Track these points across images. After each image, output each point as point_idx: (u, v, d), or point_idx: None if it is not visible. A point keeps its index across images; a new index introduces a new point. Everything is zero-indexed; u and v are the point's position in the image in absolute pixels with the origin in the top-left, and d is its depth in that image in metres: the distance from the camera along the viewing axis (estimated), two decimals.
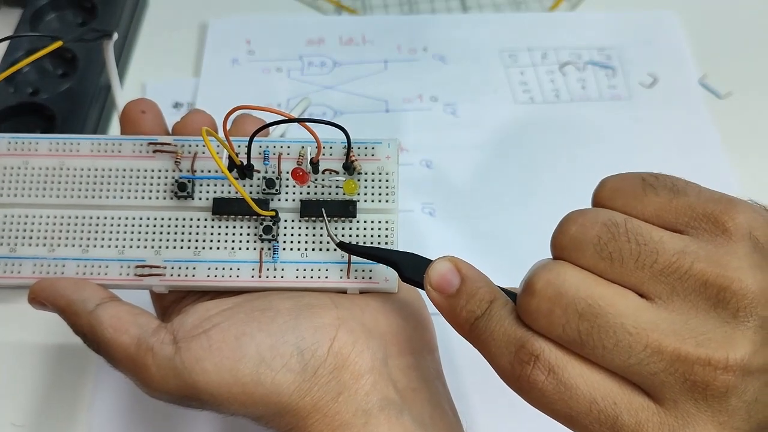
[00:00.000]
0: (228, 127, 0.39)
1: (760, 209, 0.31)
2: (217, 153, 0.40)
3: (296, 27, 0.77)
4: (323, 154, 0.41)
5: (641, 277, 0.30)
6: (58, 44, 0.40)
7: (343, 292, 0.41)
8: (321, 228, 0.41)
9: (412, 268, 0.37)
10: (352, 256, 0.40)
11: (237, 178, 0.41)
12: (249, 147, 0.40)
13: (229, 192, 0.41)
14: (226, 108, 0.37)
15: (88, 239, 0.41)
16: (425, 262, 0.37)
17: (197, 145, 0.42)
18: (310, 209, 0.41)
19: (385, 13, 0.80)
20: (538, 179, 0.66)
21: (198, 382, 0.36)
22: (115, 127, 0.71)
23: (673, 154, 0.68)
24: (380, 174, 0.41)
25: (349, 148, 0.40)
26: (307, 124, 0.38)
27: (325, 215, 0.40)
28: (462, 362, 0.53)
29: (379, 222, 0.41)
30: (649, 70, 0.73)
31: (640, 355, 0.29)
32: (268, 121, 0.39)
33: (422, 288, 0.36)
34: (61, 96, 0.68)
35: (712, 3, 0.78)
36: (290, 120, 0.37)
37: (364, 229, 0.41)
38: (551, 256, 0.33)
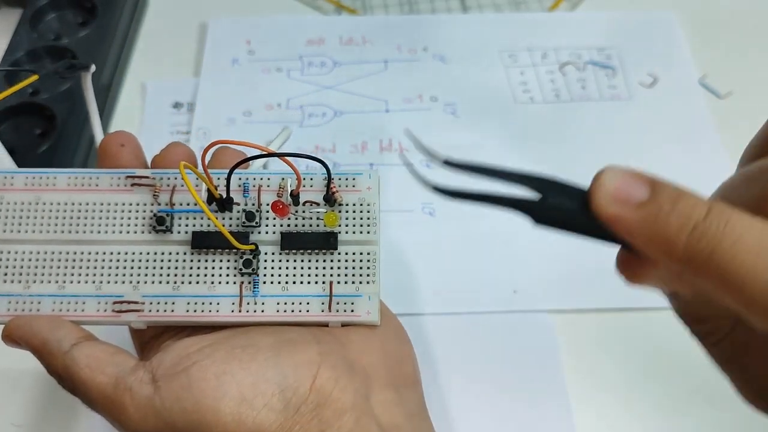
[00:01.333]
0: (207, 161, 0.39)
1: None
2: (196, 186, 0.40)
3: (296, 27, 0.77)
4: (304, 186, 0.41)
5: None
6: (33, 78, 0.39)
7: (325, 325, 0.40)
8: (302, 261, 0.40)
9: (557, 195, 0.28)
10: (333, 288, 0.39)
11: (216, 212, 0.40)
12: (228, 180, 0.39)
13: (209, 225, 0.40)
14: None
15: (65, 275, 0.40)
16: (574, 185, 0.28)
17: (176, 179, 0.41)
18: (290, 242, 0.40)
19: (385, 13, 0.80)
20: None
21: (178, 422, 0.36)
22: (114, 127, 0.71)
23: (673, 154, 0.67)
24: (361, 205, 0.41)
25: (329, 180, 0.40)
26: (286, 158, 0.38)
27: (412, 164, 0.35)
28: (452, 376, 0.53)
29: (361, 254, 0.40)
30: (649, 70, 0.73)
31: None
32: (249, 155, 0.38)
33: (570, 221, 0.28)
34: (61, 96, 0.68)
35: (712, 3, 0.78)
36: (270, 154, 0.37)
37: (346, 261, 0.40)
38: None
